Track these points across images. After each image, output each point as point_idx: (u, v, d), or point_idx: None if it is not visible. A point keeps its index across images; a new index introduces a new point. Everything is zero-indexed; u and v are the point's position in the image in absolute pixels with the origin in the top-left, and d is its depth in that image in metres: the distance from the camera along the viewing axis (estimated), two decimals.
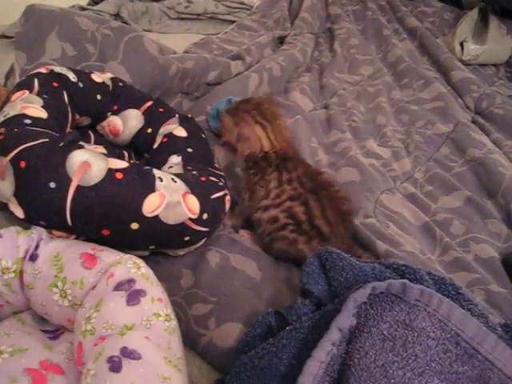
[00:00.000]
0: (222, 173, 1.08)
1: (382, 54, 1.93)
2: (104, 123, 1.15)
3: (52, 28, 1.22)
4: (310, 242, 0.95)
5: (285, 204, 0.97)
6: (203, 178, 0.94)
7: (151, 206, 0.82)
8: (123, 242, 0.85)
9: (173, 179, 0.88)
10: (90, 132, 1.15)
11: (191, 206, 0.87)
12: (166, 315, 0.74)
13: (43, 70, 1.02)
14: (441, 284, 0.75)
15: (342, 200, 0.98)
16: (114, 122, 1.15)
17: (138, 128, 1.17)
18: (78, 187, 0.77)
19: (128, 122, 1.16)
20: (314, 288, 0.78)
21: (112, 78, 1.17)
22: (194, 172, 0.97)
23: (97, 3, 2.06)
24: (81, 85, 1.07)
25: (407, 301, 0.68)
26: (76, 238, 0.85)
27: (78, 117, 1.08)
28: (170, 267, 0.94)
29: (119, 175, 0.81)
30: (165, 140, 1.14)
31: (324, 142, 1.39)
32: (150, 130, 1.16)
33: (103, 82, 1.13)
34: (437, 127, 1.44)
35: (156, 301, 0.75)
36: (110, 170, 0.81)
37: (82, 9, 1.93)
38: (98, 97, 1.11)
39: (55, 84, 1.00)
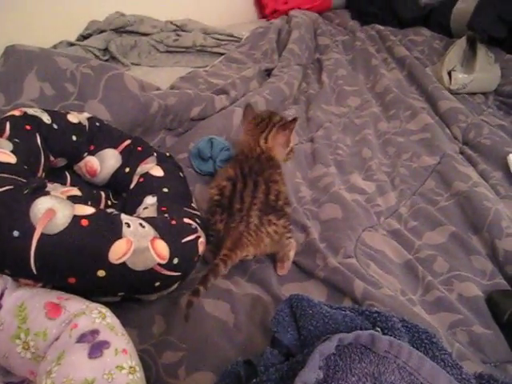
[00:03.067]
0: (198, 212, 1.06)
1: (370, 84, 1.92)
2: (81, 164, 1.14)
3: (30, 68, 1.22)
4: (222, 214, 1.00)
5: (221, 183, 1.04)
6: (174, 222, 0.92)
7: (118, 252, 0.80)
8: (91, 290, 0.83)
9: (141, 224, 0.86)
10: (67, 173, 1.14)
11: (160, 251, 0.85)
12: (130, 367, 0.72)
13: (16, 113, 1.01)
14: (414, 332, 0.73)
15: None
16: (91, 162, 1.14)
17: (115, 168, 1.15)
18: (42, 235, 0.75)
19: (105, 162, 1.15)
20: (284, 337, 0.75)
21: (89, 118, 1.16)
22: (166, 215, 0.96)
23: (85, 38, 2.07)
24: (55, 126, 1.06)
25: (376, 352, 0.66)
26: (43, 286, 0.82)
27: (52, 158, 1.07)
28: (142, 313, 0.91)
29: (84, 222, 0.79)
30: (141, 180, 1.12)
31: (308, 176, 1.38)
32: (127, 170, 1.15)
33: (79, 123, 1.12)
34: (423, 159, 1.42)
35: (120, 352, 0.73)
36: (75, 216, 0.79)
37: (70, 44, 1.95)
38: (74, 138, 1.10)
39: (28, 127, 0.99)
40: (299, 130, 1.57)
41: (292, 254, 1.06)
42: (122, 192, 1.17)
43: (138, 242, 0.82)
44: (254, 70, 1.80)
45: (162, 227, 0.89)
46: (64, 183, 1.12)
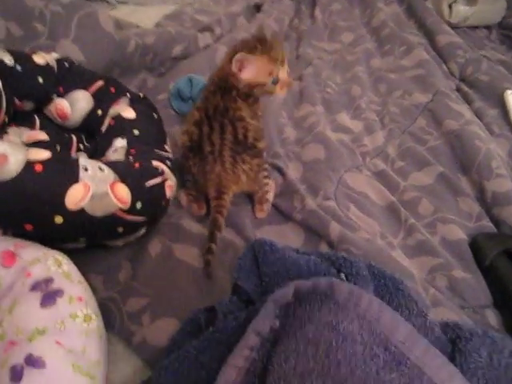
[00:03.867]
0: (170, 155, 1.02)
1: (366, 19, 1.83)
2: (50, 107, 1.09)
3: None
4: (194, 158, 0.98)
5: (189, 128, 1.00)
6: (137, 165, 0.88)
7: (75, 197, 0.76)
8: (49, 237, 0.80)
9: (100, 168, 0.82)
10: (36, 116, 1.09)
11: (121, 196, 0.81)
12: (86, 315, 0.70)
13: None
14: (380, 278, 0.69)
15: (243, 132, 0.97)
16: (61, 104, 1.09)
17: (87, 110, 1.10)
18: None
19: (76, 105, 1.09)
20: (245, 283, 0.72)
21: (58, 59, 1.10)
22: (130, 157, 0.91)
23: None
24: (18, 68, 1.01)
25: (337, 300, 0.62)
26: (4, 234, 0.79)
27: (18, 102, 1.02)
28: (108, 259, 0.89)
29: (38, 167, 0.75)
30: (112, 122, 1.07)
31: (294, 116, 1.32)
32: (100, 112, 1.10)
33: (47, 64, 1.06)
34: (414, 97, 1.35)
35: (75, 300, 0.71)
36: (28, 162, 0.75)
37: None
38: (40, 80, 1.04)
39: None
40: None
41: (271, 195, 1.03)
42: (94, 135, 1.13)
43: (96, 187, 0.78)
44: (242, 5, 1.72)
45: (124, 170, 0.85)
46: (32, 127, 1.07)
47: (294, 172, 1.12)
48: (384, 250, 0.89)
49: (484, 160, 1.09)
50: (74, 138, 1.11)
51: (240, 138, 0.96)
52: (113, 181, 0.81)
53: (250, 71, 1.01)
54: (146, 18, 1.78)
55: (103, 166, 0.83)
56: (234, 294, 0.73)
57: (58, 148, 1.05)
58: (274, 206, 1.03)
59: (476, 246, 0.94)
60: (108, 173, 0.82)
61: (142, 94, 1.15)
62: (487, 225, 1.01)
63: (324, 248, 0.93)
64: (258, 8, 1.79)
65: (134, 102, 1.11)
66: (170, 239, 0.93)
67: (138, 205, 0.84)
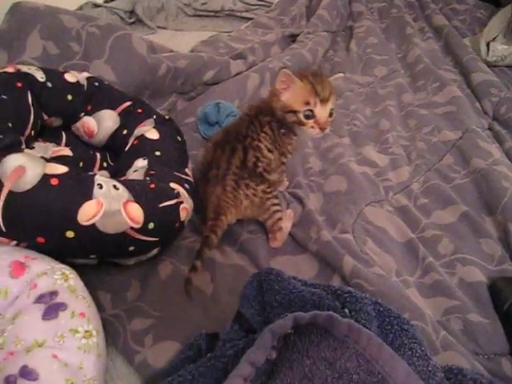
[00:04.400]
0: (190, 178, 1.03)
1: (402, 53, 1.82)
2: (78, 124, 1.11)
3: (34, 26, 1.20)
4: (202, 179, 1.02)
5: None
6: (152, 185, 0.89)
7: (87, 213, 0.77)
8: (60, 251, 0.81)
9: (115, 186, 0.83)
10: (63, 133, 1.11)
11: (133, 215, 0.82)
12: (86, 331, 0.70)
13: (10, 70, 0.99)
14: (385, 316, 0.67)
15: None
16: (88, 122, 1.11)
17: (113, 129, 1.12)
18: (10, 192, 0.74)
19: (102, 123, 1.12)
20: (247, 311, 0.71)
21: (88, 78, 1.13)
22: (147, 178, 0.92)
23: (113, 0, 2.04)
24: (49, 84, 1.04)
25: (336, 336, 0.61)
26: (17, 245, 0.81)
27: (46, 117, 1.05)
28: (118, 277, 0.89)
29: (54, 181, 0.77)
30: (135, 142, 1.09)
31: (320, 147, 1.31)
32: (125, 132, 1.12)
33: (77, 82, 1.09)
34: (444, 134, 1.32)
35: (77, 316, 0.71)
36: (45, 175, 0.77)
37: (96, 6, 1.92)
38: (69, 97, 1.07)
39: (19, 84, 0.97)
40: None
41: (288, 225, 1.02)
42: (119, 154, 1.14)
43: (109, 204, 0.79)
44: (277, 35, 1.73)
45: (138, 190, 0.86)
46: (58, 143, 1.10)
47: (314, 202, 1.11)
48: (397, 287, 0.87)
49: (510, 201, 1.06)
50: (98, 156, 1.13)
51: (249, 165, 0.97)
52: (126, 199, 0.82)
53: (289, 93, 0.99)
54: (184, 43, 1.82)
55: (118, 185, 0.84)
56: (237, 322, 0.72)
57: (82, 164, 1.07)
58: (291, 235, 1.02)
59: (495, 289, 0.91)
60: (122, 191, 0.83)
61: (167, 116, 1.16)
62: (509, 269, 0.97)
63: (337, 281, 0.92)
64: (293, 38, 1.80)
65: (159, 124, 1.12)
66: (181, 262, 0.93)
67: (151, 225, 0.84)
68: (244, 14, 2.09)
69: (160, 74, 1.31)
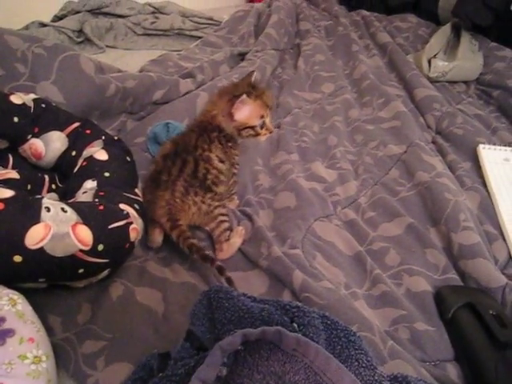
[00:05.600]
0: (140, 198, 1.03)
1: (348, 70, 1.87)
2: (25, 146, 1.10)
3: None
4: (151, 187, 1.05)
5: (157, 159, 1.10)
6: (101, 207, 0.88)
7: (35, 237, 0.76)
8: (8, 276, 0.79)
9: (63, 209, 0.82)
10: (10, 155, 1.10)
11: (82, 237, 0.81)
12: (35, 357, 0.69)
13: None
14: (332, 329, 0.69)
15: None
16: (36, 144, 1.10)
17: (61, 151, 1.11)
18: None
19: (50, 145, 1.11)
20: (197, 329, 0.71)
21: (35, 99, 1.12)
22: (96, 200, 0.92)
23: (61, 19, 2.03)
24: None
25: (285, 350, 0.62)
26: None
27: None
28: (69, 300, 0.88)
29: (0, 206, 0.76)
30: (84, 163, 1.08)
31: (270, 163, 1.33)
32: (74, 153, 1.11)
33: (23, 104, 1.08)
34: (389, 148, 1.37)
35: (26, 341, 0.70)
36: None
37: (43, 25, 1.90)
38: (15, 119, 1.05)
39: None
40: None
41: (236, 241, 1.04)
42: (68, 175, 1.13)
43: (57, 227, 0.79)
44: (225, 53, 1.75)
45: (87, 212, 0.85)
46: (5, 166, 1.08)
47: (264, 219, 1.13)
48: (346, 300, 0.89)
49: (452, 212, 1.10)
50: (47, 178, 1.11)
51: (199, 176, 1.01)
52: (75, 222, 0.82)
53: (245, 113, 1.07)
54: (133, 62, 1.82)
55: (66, 207, 0.83)
56: (188, 340, 0.72)
57: (30, 187, 1.05)
58: (242, 251, 1.03)
59: (440, 298, 0.94)
60: (70, 214, 0.82)
61: (117, 137, 1.16)
62: (453, 277, 1.00)
63: (287, 296, 0.93)
64: (242, 57, 1.82)
65: (108, 145, 1.12)
66: (132, 282, 0.92)
67: (100, 247, 0.84)
68: (193, 33, 2.11)
69: (108, 94, 1.31)
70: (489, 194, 1.23)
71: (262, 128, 1.10)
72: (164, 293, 0.92)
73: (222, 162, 1.06)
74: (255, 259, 1.01)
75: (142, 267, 0.96)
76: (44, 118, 1.11)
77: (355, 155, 1.38)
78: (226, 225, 1.04)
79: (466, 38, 1.88)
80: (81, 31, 1.98)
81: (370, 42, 2.07)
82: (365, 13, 2.31)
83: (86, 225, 0.83)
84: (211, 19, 2.19)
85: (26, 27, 1.92)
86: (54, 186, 1.12)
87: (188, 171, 1.01)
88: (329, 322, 0.70)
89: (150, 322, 0.86)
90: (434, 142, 1.46)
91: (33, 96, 1.13)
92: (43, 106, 1.13)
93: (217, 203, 1.03)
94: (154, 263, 0.99)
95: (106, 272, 0.91)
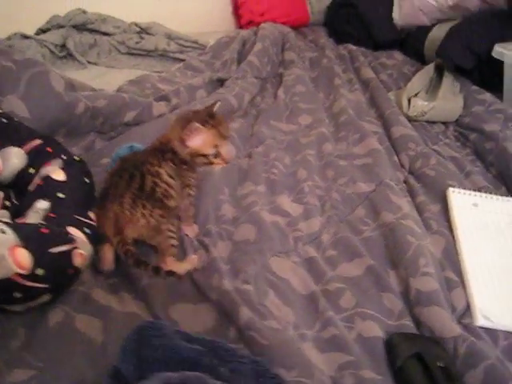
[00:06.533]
0: (92, 222, 1.00)
1: (328, 103, 1.86)
2: None
3: None
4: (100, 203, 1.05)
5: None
6: (45, 230, 0.86)
7: None
8: None
9: (2, 230, 0.79)
10: None
11: (20, 260, 0.79)
12: None
13: None
14: (260, 376, 0.66)
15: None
16: None
17: (19, 168, 1.09)
18: None
19: (8, 161, 1.08)
20: (124, 366, 0.69)
21: None
22: (42, 222, 0.90)
23: (44, 32, 2.02)
24: None
25: None
26: None
27: None
28: (4, 325, 0.85)
29: None
30: (40, 182, 1.06)
31: (236, 194, 1.31)
32: (32, 171, 1.09)
33: None
34: (358, 186, 1.35)
35: None
36: None
37: (25, 37, 1.89)
38: None
39: None
40: (239, 145, 1.51)
41: (185, 267, 1.03)
42: (24, 193, 1.11)
43: None
44: (204, 79, 1.75)
45: (29, 235, 0.83)
46: None
47: (222, 251, 1.10)
48: (291, 342, 0.86)
49: (413, 256, 1.08)
50: (1, 195, 1.08)
51: (146, 189, 1.01)
52: (13, 244, 0.79)
53: (198, 141, 1.07)
54: (114, 80, 1.81)
55: (6, 229, 0.81)
56: (114, 377, 0.69)
57: None
58: (194, 281, 1.01)
59: (390, 346, 0.91)
60: (9, 236, 0.80)
61: (78, 158, 1.14)
62: (408, 324, 0.97)
63: (233, 333, 0.90)
64: (222, 82, 1.81)
65: (68, 165, 1.10)
66: (74, 309, 0.89)
67: (40, 271, 0.81)
68: (177, 55, 2.10)
69: (77, 112, 1.29)
70: (454, 239, 1.21)
71: (215, 157, 1.10)
72: (105, 322, 0.89)
73: (171, 177, 1.07)
74: (206, 291, 0.98)
75: (87, 294, 0.93)
76: (4, 133, 1.10)
77: (324, 190, 1.35)
78: (173, 241, 1.04)
79: (448, 79, 1.88)
80: (64, 46, 1.97)
81: (353, 76, 2.07)
82: (351, 47, 2.32)
83: (25, 248, 0.81)
84: (196, 43, 2.19)
85: (9, 38, 1.91)
86: (8, 203, 1.08)
87: (135, 185, 1.01)
88: (259, 369, 0.67)
89: (86, 352, 0.83)
90: (405, 182, 1.44)
91: None
92: (4, 121, 1.11)
93: (165, 220, 1.03)
94: (100, 290, 0.96)
95: (46, 297, 0.88)
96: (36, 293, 0.84)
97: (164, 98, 1.58)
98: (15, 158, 1.09)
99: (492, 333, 0.99)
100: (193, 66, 1.95)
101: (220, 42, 2.14)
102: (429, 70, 1.96)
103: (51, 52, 1.92)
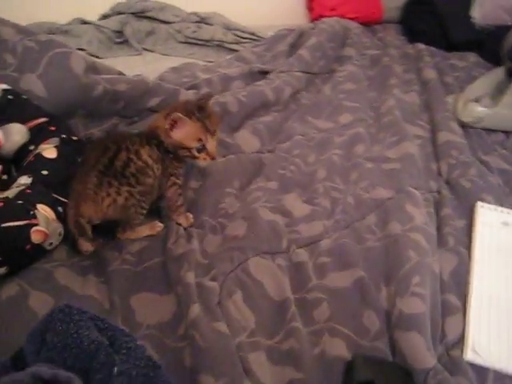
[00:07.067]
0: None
1: (378, 103, 1.73)
2: None
3: None
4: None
5: None
6: (0, 204, 0.87)
7: None
8: None
9: None
10: None
11: None
12: None
13: None
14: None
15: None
16: None
17: (20, 143, 1.11)
18: None
19: (10, 136, 1.11)
20: (27, 347, 0.66)
21: (4, 90, 1.13)
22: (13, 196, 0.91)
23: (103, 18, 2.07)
24: None
25: None
26: None
27: None
28: None
29: None
30: (32, 159, 1.07)
31: (245, 188, 1.26)
32: (32, 147, 1.11)
33: None
34: (377, 191, 1.24)
35: None
36: None
37: (84, 22, 1.95)
38: None
39: None
40: (266, 138, 1.45)
41: (143, 230, 1.08)
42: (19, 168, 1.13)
43: None
44: (243, 70, 1.70)
45: None
46: None
47: (208, 244, 1.07)
48: (231, 348, 0.81)
49: (407, 273, 0.97)
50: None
51: (117, 164, 0.97)
52: None
53: (181, 132, 1.04)
54: (164, 68, 1.80)
55: None
56: (15, 359, 0.67)
57: None
58: (165, 270, 1.00)
59: (349, 367, 0.83)
60: None
61: (76, 138, 1.14)
62: (381, 348, 0.87)
63: (182, 329, 0.87)
64: (266, 74, 1.75)
65: (64, 144, 1.11)
66: (31, 285, 0.89)
67: None
68: (233, 46, 2.07)
69: (95, 94, 1.29)
70: (470, 259, 1.08)
71: (200, 152, 1.06)
72: (57, 301, 0.87)
73: (152, 159, 1.04)
74: (172, 282, 0.96)
75: (50, 272, 0.93)
76: (8, 109, 1.12)
77: (340, 193, 1.26)
78: (140, 219, 1.06)
79: None
80: (121, 32, 2.01)
81: (414, 76, 1.93)
82: (421, 46, 2.16)
83: None
84: (254, 34, 2.15)
85: (69, 23, 1.98)
86: (5, 177, 1.11)
87: (104, 160, 0.98)
88: (151, 375, 0.62)
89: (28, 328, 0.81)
90: (439, 192, 1.31)
91: (4, 86, 1.15)
92: (10, 97, 1.13)
93: (134, 201, 1.01)
94: (66, 270, 0.96)
95: (2, 270, 0.88)
96: None
97: (195, 86, 1.55)
98: (16, 134, 1.11)
99: (481, 371, 0.87)
100: (243, 57, 1.90)
101: (277, 34, 2.07)
102: (497, 73, 1.79)
103: (108, 37, 1.96)
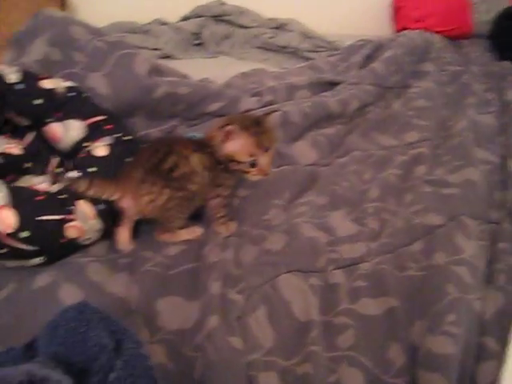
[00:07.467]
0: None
1: (451, 123, 1.65)
2: (45, 128, 1.17)
3: (43, 32, 1.29)
4: None
5: None
6: (40, 197, 0.92)
7: None
8: None
9: None
10: (29, 133, 1.17)
11: (4, 220, 0.87)
12: None
13: None
14: None
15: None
16: (54, 129, 1.17)
17: (76, 139, 1.17)
18: None
19: (69, 132, 1.17)
20: (40, 339, 0.70)
21: (69, 87, 1.19)
22: (39, 191, 0.96)
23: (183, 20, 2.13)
24: (21, 86, 1.11)
25: None
26: None
27: (14, 116, 1.11)
28: None
29: None
30: (83, 155, 1.12)
31: (293, 202, 1.24)
32: (87, 144, 1.15)
33: (52, 89, 1.15)
34: (429, 217, 1.18)
35: None
36: None
37: (163, 23, 2.00)
38: (37, 101, 1.14)
39: None
40: (325, 151, 1.43)
41: (182, 234, 1.09)
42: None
43: None
44: (311, 79, 1.67)
45: (22, 199, 0.91)
46: (20, 140, 1.15)
47: (244, 255, 1.07)
48: (240, 366, 0.81)
49: (442, 309, 0.92)
50: (55, 162, 1.16)
51: (164, 167, 0.98)
52: (2, 204, 0.85)
53: (234, 145, 1.03)
54: (235, 72, 1.82)
55: (3, 189, 0.87)
56: (29, 347, 0.70)
57: (29, 165, 1.11)
58: (195, 275, 1.01)
59: None
60: (2, 196, 0.86)
61: (130, 137, 1.17)
62: None
63: (199, 339, 0.87)
64: (334, 85, 1.72)
65: (117, 143, 1.14)
66: (63, 277, 0.93)
67: (25, 234, 0.88)
68: (308, 55, 2.06)
69: (155, 96, 1.33)
70: None
71: (252, 167, 1.04)
72: (86, 296, 0.90)
73: (203, 165, 1.04)
74: (199, 290, 0.96)
75: (83, 266, 0.96)
76: (70, 105, 1.18)
77: (391, 215, 1.22)
78: (180, 223, 1.07)
79: None
80: (198, 34, 2.05)
81: (495, 96, 1.82)
82: (507, 65, 2.04)
83: (14, 209, 0.86)
84: (331, 43, 2.12)
85: (149, 23, 2.05)
86: (58, 170, 1.16)
87: (153, 160, 0.99)
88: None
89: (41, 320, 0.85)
90: (498, 223, 1.23)
91: (69, 84, 1.20)
92: (73, 94, 1.19)
93: (173, 204, 1.01)
94: (100, 266, 0.99)
95: (37, 260, 0.93)
96: (24, 253, 0.90)
97: (259, 93, 1.55)
98: (75, 130, 1.17)
99: None
100: (317, 66, 1.88)
101: (354, 44, 2.03)
102: None
103: (185, 39, 2.01)
